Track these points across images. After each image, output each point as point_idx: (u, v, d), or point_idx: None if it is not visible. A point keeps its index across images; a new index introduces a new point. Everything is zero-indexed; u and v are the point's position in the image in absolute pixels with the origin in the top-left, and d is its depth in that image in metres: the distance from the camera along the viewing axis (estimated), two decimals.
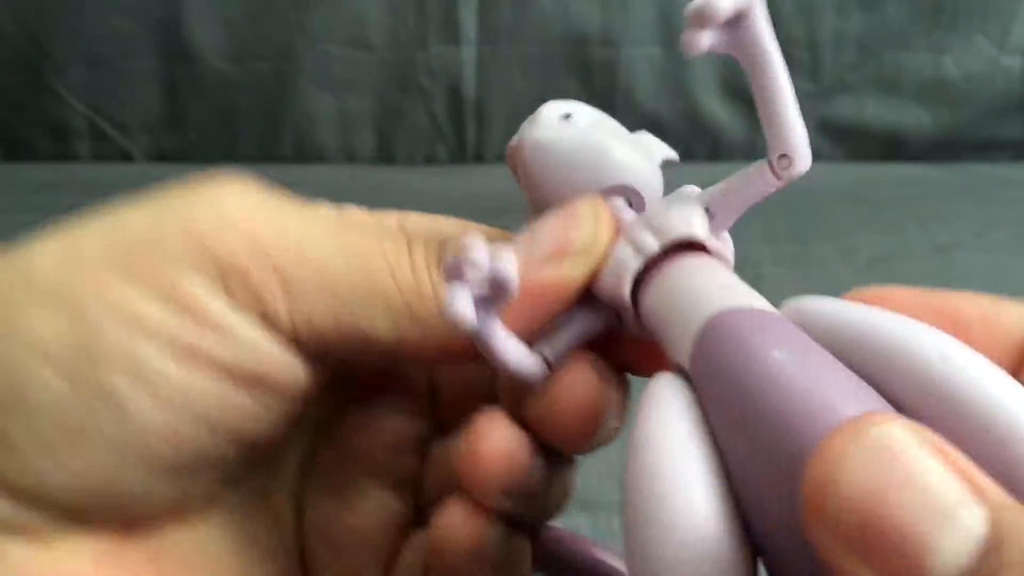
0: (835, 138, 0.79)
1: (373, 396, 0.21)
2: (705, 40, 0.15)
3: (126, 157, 0.77)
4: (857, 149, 0.80)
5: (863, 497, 0.10)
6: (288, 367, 0.17)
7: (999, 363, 0.13)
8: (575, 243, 0.17)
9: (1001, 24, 0.78)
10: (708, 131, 0.79)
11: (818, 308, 0.15)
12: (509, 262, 0.14)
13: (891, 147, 0.80)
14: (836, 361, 0.13)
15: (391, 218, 0.20)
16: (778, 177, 0.17)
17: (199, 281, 0.16)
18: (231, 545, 0.18)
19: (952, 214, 0.67)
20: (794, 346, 0.13)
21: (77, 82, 0.75)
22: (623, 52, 0.77)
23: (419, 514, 0.21)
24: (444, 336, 0.17)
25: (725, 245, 0.18)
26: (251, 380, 0.16)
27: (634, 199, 0.18)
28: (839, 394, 0.12)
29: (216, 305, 0.16)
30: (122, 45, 0.74)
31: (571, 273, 0.17)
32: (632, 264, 0.17)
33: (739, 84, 0.76)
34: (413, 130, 0.78)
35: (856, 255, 0.60)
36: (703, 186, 0.18)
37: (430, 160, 0.79)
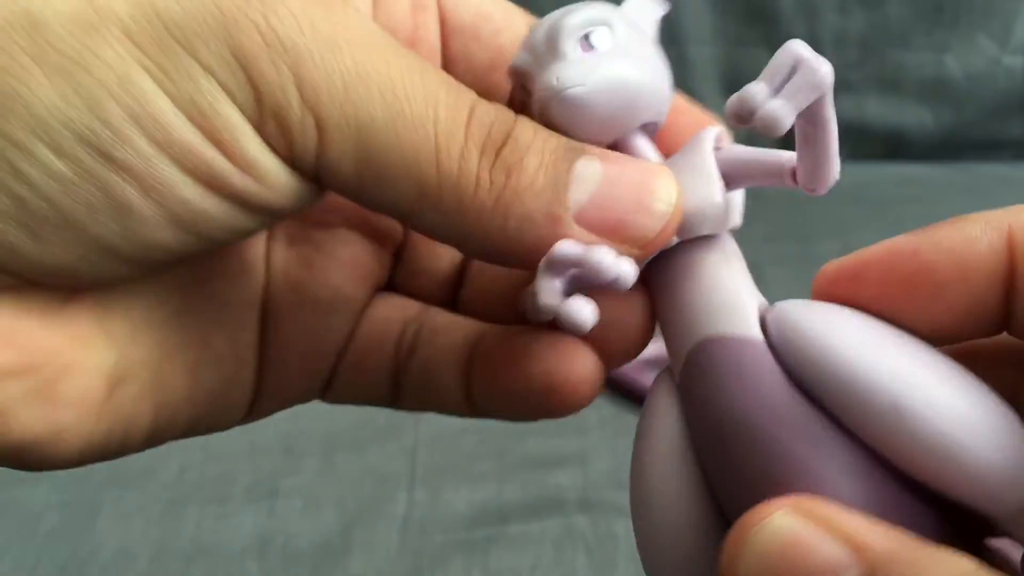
0: None
1: None
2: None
3: None
4: (858, 148, 0.80)
5: None
6: (297, 194, 0.16)
7: (984, 305, 0.15)
8: (654, 213, 0.16)
9: (1003, 23, 0.77)
10: None
11: (794, 324, 0.16)
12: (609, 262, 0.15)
13: (892, 146, 0.80)
14: (806, 409, 0.15)
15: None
16: (797, 185, 0.17)
17: (217, 87, 0.14)
18: (185, 302, 0.17)
19: (953, 214, 0.67)
20: (763, 391, 0.15)
21: None
22: None
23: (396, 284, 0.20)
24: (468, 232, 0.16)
25: (733, 207, 0.18)
26: (257, 207, 0.15)
27: (653, 129, 0.18)
28: (806, 450, 0.14)
29: (234, 120, 0.14)
30: None
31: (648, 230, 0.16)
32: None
33: (740, 83, 0.75)
34: None
35: None
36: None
37: None
